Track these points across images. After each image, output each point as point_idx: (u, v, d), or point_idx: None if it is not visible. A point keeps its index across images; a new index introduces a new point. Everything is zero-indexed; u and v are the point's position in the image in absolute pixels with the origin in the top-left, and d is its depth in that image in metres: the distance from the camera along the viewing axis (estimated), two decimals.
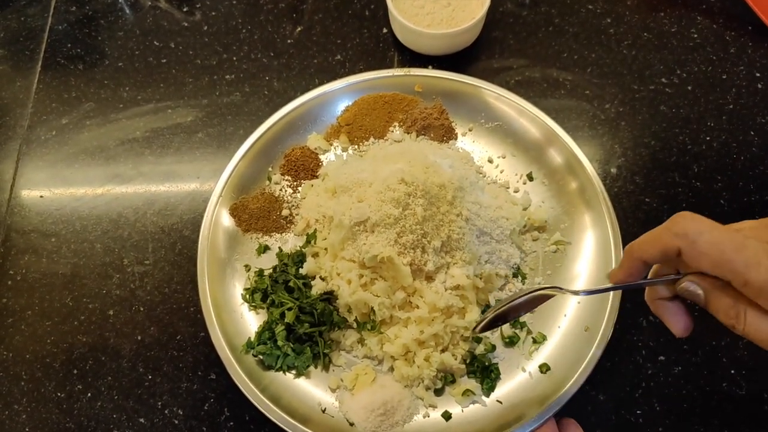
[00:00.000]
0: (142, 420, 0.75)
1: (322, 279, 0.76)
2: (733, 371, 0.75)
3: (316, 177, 0.87)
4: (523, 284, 0.79)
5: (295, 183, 0.86)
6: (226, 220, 0.82)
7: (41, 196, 0.90)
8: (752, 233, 0.47)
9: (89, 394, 0.77)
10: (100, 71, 0.99)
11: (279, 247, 0.82)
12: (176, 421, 0.75)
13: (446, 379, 0.73)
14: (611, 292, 0.74)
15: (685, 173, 0.87)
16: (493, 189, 0.84)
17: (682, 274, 0.51)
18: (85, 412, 0.76)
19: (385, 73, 0.90)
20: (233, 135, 0.92)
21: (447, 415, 0.72)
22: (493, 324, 0.66)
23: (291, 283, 0.76)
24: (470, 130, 0.89)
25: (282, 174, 0.87)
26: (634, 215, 0.84)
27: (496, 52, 0.97)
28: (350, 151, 0.89)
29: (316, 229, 0.81)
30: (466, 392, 0.72)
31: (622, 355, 0.77)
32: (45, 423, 0.76)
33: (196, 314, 0.80)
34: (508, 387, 0.73)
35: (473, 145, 0.88)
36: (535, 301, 0.62)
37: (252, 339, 0.75)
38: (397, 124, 0.89)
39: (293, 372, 0.75)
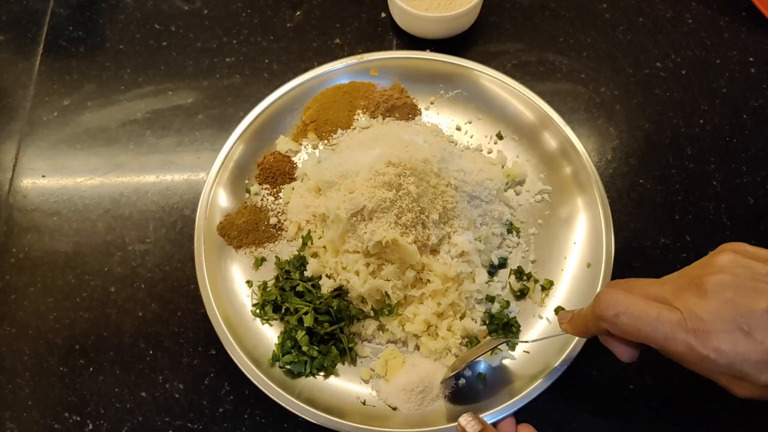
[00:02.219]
0: (143, 394, 0.76)
1: (329, 277, 0.77)
2: None
3: (295, 179, 0.87)
4: (519, 238, 0.82)
5: (275, 190, 0.86)
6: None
7: (43, 176, 0.91)
8: (672, 292, 0.52)
9: (91, 369, 0.78)
10: (101, 54, 1.00)
11: (276, 257, 0.81)
12: (177, 395, 0.76)
13: (472, 343, 0.74)
14: (605, 249, 0.77)
15: (679, 155, 0.88)
16: (469, 154, 0.86)
17: None
18: (87, 386, 0.77)
19: (337, 64, 0.91)
20: (233, 116, 0.93)
21: (481, 377, 0.73)
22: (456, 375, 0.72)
23: (299, 288, 0.76)
24: (432, 104, 0.91)
25: (260, 183, 0.86)
26: (629, 196, 0.85)
27: (494, 36, 0.98)
28: (321, 147, 0.89)
29: (309, 230, 0.81)
30: (494, 350, 0.73)
31: None
32: (48, 397, 0.77)
33: (196, 291, 0.80)
34: (531, 336, 0.75)
35: (438, 117, 0.90)
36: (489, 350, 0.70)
37: (275, 351, 0.75)
38: (360, 111, 0.90)
39: (322, 374, 0.75)
